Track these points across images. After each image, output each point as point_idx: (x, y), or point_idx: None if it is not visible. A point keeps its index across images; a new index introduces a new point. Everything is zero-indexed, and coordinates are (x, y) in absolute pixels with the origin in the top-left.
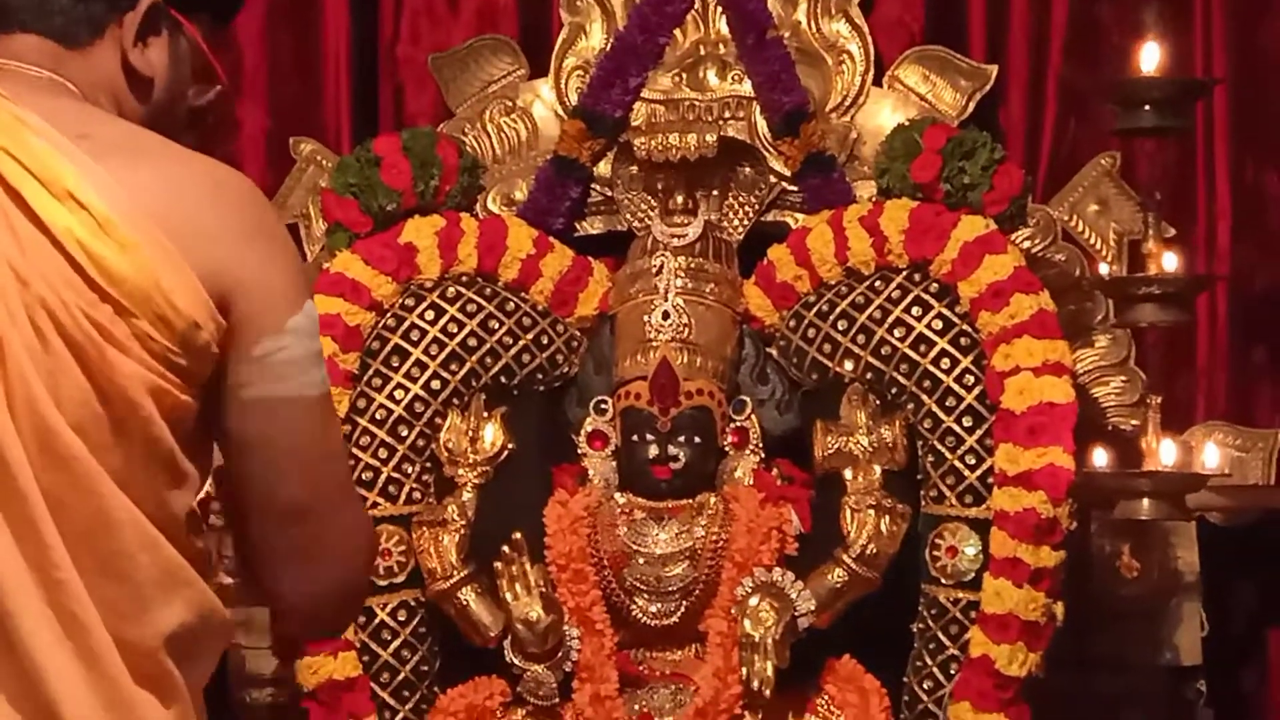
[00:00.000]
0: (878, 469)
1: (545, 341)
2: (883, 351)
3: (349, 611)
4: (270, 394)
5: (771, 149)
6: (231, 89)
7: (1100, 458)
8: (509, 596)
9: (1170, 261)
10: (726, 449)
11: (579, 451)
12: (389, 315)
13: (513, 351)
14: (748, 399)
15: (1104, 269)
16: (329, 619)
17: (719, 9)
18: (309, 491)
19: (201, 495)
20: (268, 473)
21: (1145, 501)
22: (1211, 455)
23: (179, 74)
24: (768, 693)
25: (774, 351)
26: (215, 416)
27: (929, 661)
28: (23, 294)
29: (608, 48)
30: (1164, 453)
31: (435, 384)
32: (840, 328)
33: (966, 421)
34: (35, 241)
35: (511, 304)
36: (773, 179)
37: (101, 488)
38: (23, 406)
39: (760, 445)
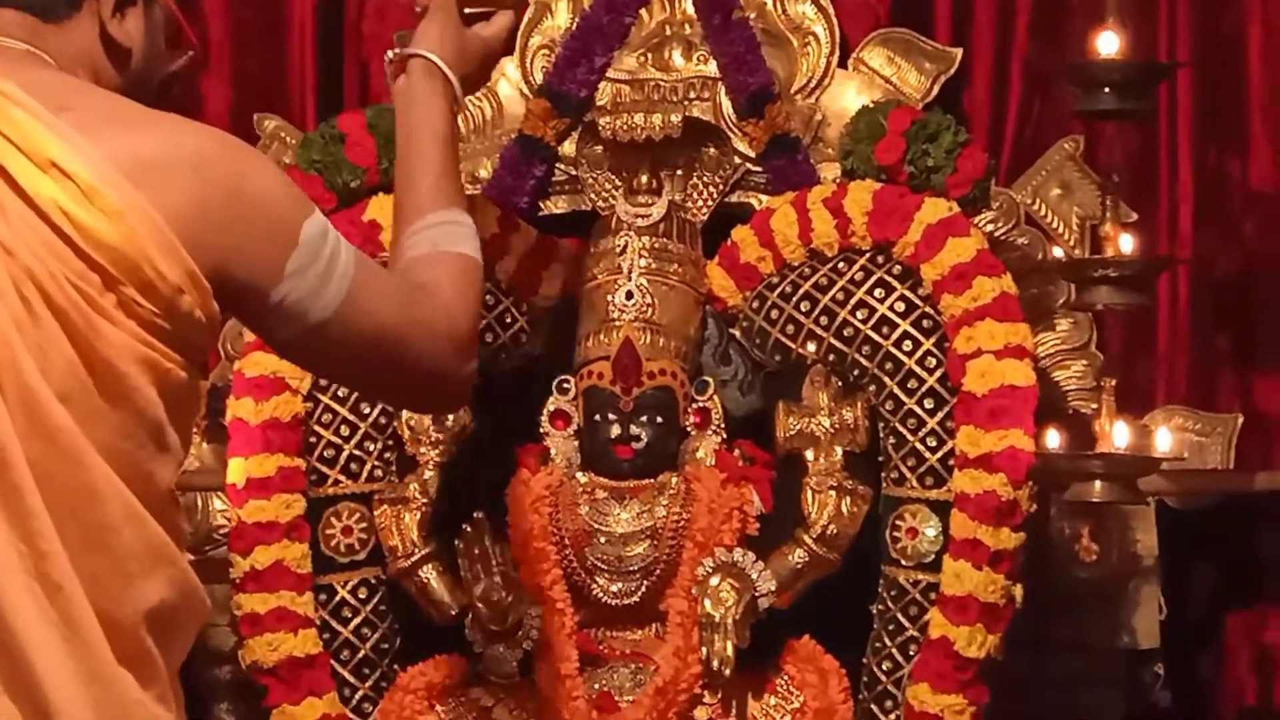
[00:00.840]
0: (839, 450)
1: (508, 320)
2: (845, 333)
3: (457, 405)
4: (300, 330)
5: (736, 130)
6: (200, 57)
7: (1053, 439)
8: (470, 575)
9: (1127, 244)
10: (688, 429)
11: (541, 431)
12: None
13: None
14: (710, 379)
15: (1058, 252)
16: (442, 411)
17: None
18: (372, 374)
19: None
20: (335, 377)
21: (1097, 484)
22: (1165, 439)
23: (154, 42)
24: (727, 672)
25: (737, 332)
26: (280, 353)
27: (888, 643)
28: (8, 265)
29: (573, 27)
30: (1117, 435)
31: None
32: (803, 309)
33: (928, 403)
34: (20, 212)
35: None
36: (737, 160)
37: (87, 459)
38: (9, 377)
39: (722, 426)
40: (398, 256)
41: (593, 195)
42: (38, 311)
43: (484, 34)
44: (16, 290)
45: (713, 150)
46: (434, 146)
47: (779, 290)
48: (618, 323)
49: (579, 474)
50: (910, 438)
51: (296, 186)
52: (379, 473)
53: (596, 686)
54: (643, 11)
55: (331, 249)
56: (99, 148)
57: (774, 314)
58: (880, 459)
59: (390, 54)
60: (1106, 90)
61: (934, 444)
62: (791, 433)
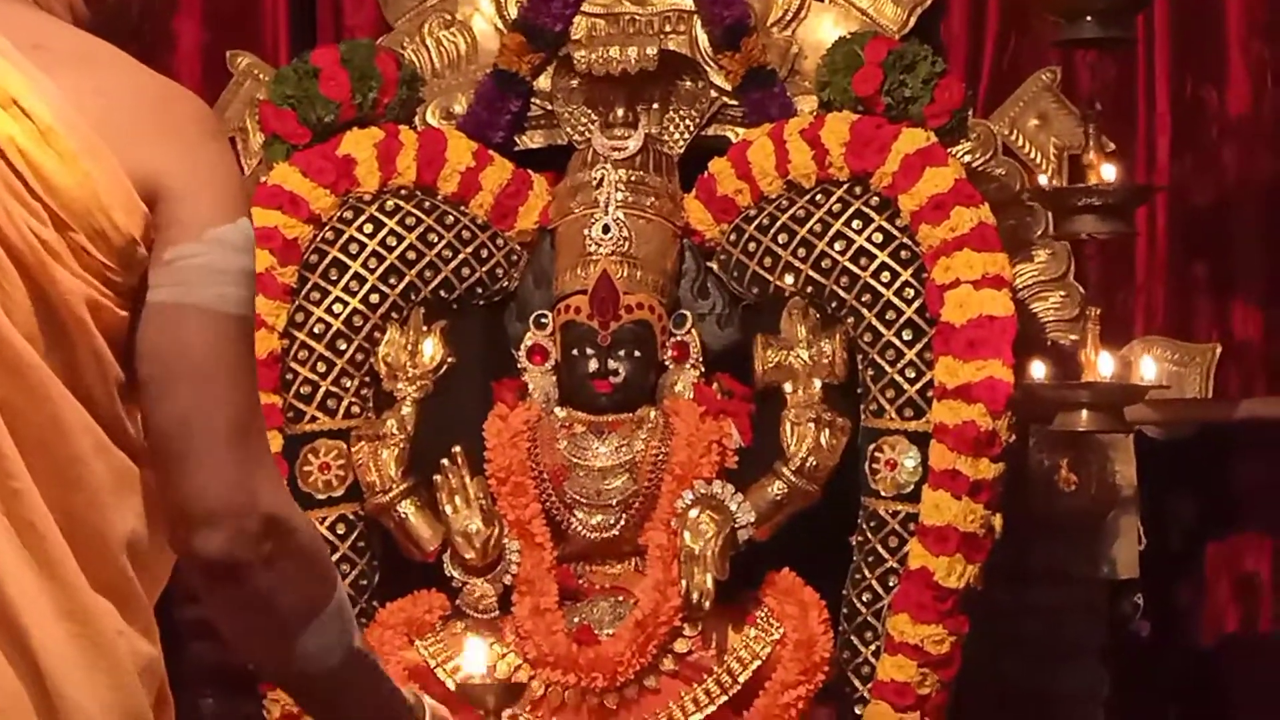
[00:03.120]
0: (818, 383)
1: (485, 255)
2: (823, 265)
3: (215, 562)
4: (173, 299)
5: (712, 63)
6: None
7: (1038, 370)
8: (448, 509)
9: (1110, 173)
10: (666, 363)
11: (519, 366)
12: (327, 228)
13: (452, 265)
14: (688, 313)
15: (1043, 180)
16: (191, 558)
17: None
18: (191, 408)
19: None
20: (157, 381)
21: (1084, 413)
22: (1149, 368)
23: None
24: (707, 605)
25: (714, 266)
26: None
27: (868, 574)
28: None
29: None
30: (1102, 365)
31: (374, 297)
32: (781, 241)
33: (906, 335)
34: None
35: (451, 217)
36: (713, 93)
37: (54, 393)
38: None
39: (700, 360)
40: None
41: (569, 130)
42: None
43: None
44: None
45: (689, 83)
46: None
47: (756, 223)
48: (595, 256)
49: (557, 409)
50: (889, 369)
51: (248, 191)
52: (356, 409)
53: (576, 620)
54: None
55: (252, 271)
56: (63, 87)
57: (751, 246)
58: (859, 391)
59: None
60: (1088, 18)
61: (912, 375)
62: (770, 366)
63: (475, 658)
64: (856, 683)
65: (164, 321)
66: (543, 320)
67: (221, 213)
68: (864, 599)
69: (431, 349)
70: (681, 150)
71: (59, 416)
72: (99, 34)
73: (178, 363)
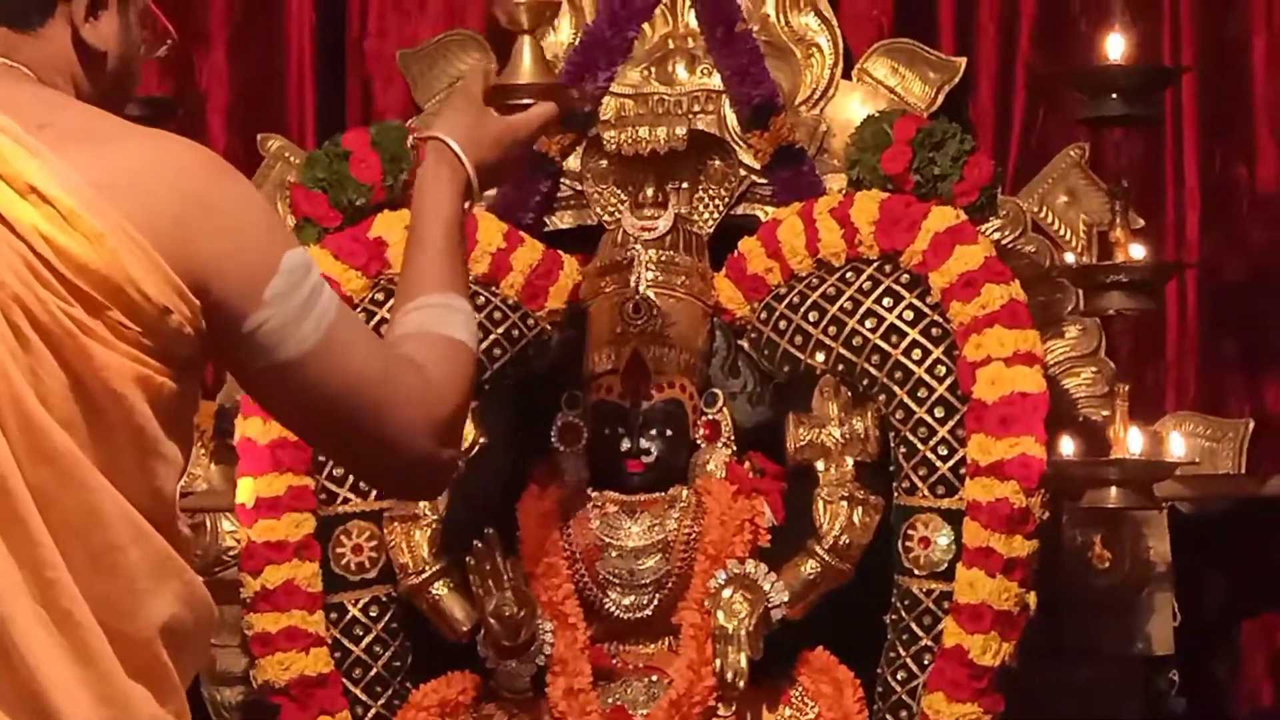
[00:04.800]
0: (850, 460)
1: (516, 335)
2: (854, 343)
3: (430, 493)
4: (268, 364)
5: (741, 142)
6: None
7: (1067, 446)
8: (481, 591)
9: (1138, 250)
10: (698, 442)
11: (550, 446)
12: (359, 310)
13: (483, 345)
14: (719, 392)
15: (1070, 258)
16: (410, 497)
17: (688, 2)
18: (339, 430)
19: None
20: (298, 425)
21: (1113, 490)
22: (1178, 444)
23: (130, 41)
24: (742, 684)
25: (745, 344)
26: (244, 388)
27: (902, 652)
28: None
29: (577, 42)
30: (1131, 441)
31: None
32: (811, 319)
33: (938, 412)
34: (4, 239)
35: (482, 298)
36: (742, 172)
37: (90, 481)
38: (8, 405)
39: (732, 438)
40: (388, 335)
41: (598, 210)
42: (28, 337)
43: (513, 120)
44: (6, 318)
45: (718, 162)
46: (437, 230)
47: (787, 301)
48: (626, 336)
49: (589, 489)
50: (921, 447)
51: (280, 217)
52: None
53: (610, 701)
54: (646, 26)
55: (313, 286)
56: (78, 167)
57: (782, 325)
58: (891, 468)
59: (410, 138)
60: (1113, 96)
61: (945, 453)
62: (802, 444)
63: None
64: None
65: (271, 384)
66: (574, 400)
67: (268, 266)
68: (899, 677)
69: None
70: (711, 229)
71: (95, 504)
72: (101, 105)
73: (303, 409)
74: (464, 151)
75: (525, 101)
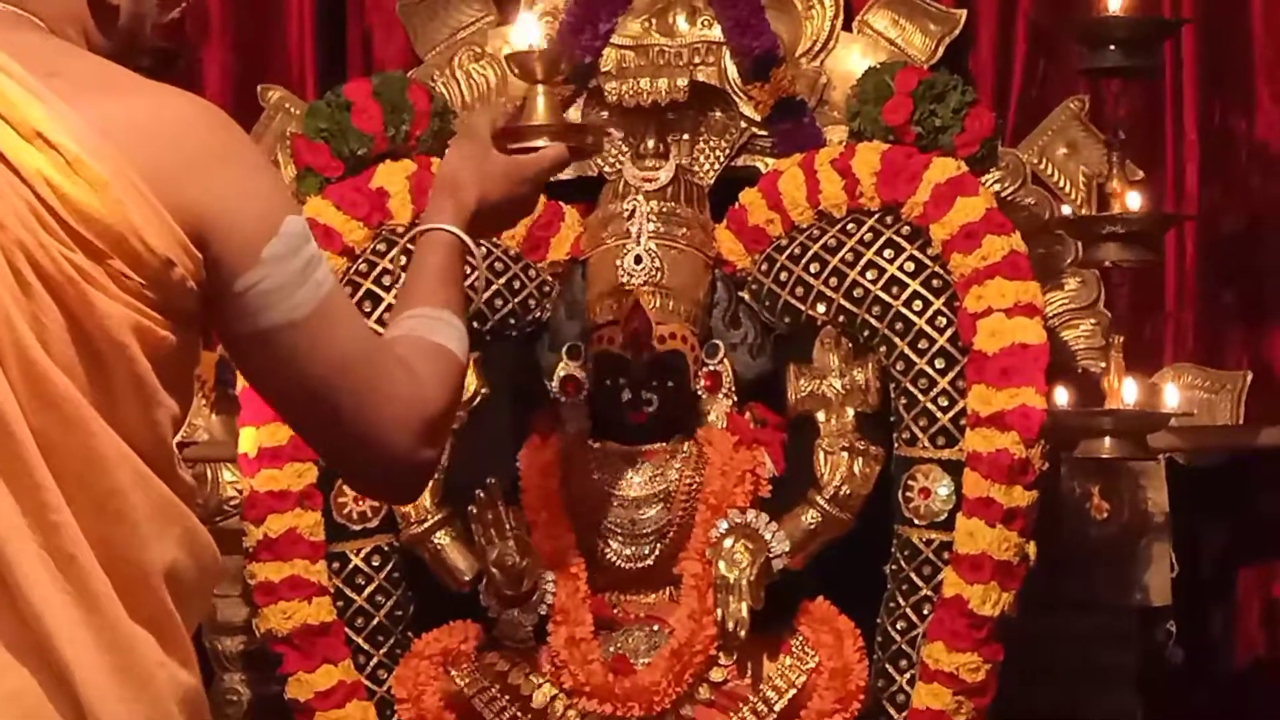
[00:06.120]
0: (850, 411)
1: (517, 286)
2: (855, 294)
3: (406, 494)
4: (256, 326)
5: (741, 94)
6: (191, 8)
7: (1061, 397)
8: (483, 540)
9: (1135, 201)
10: (699, 393)
11: (552, 396)
12: (360, 260)
13: (485, 297)
14: (720, 343)
15: (1067, 210)
16: (381, 499)
17: None
18: (320, 409)
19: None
20: (276, 398)
21: (1107, 440)
22: (1173, 395)
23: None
24: (743, 634)
25: (746, 295)
26: (228, 351)
27: (902, 602)
28: (0, 237)
29: None
30: (1126, 392)
31: None
32: (812, 271)
33: (939, 363)
34: (9, 184)
35: (483, 249)
36: (743, 124)
37: (93, 426)
38: (10, 350)
39: (733, 389)
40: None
41: (598, 161)
42: (30, 282)
43: (521, 158)
44: (9, 263)
45: (718, 114)
46: (437, 256)
47: (788, 252)
48: (627, 287)
49: (591, 439)
50: (921, 398)
51: (284, 182)
52: None
53: (611, 650)
54: None
55: (311, 256)
56: (85, 116)
57: (783, 276)
58: (892, 419)
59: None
60: (1112, 47)
61: (945, 404)
62: (803, 394)
63: (527, 29)
64: (891, 711)
65: (257, 347)
66: (575, 351)
67: (268, 226)
68: (898, 627)
69: (466, 381)
70: (711, 181)
71: (97, 449)
72: (113, 59)
73: (283, 378)
74: (470, 185)
75: (536, 144)
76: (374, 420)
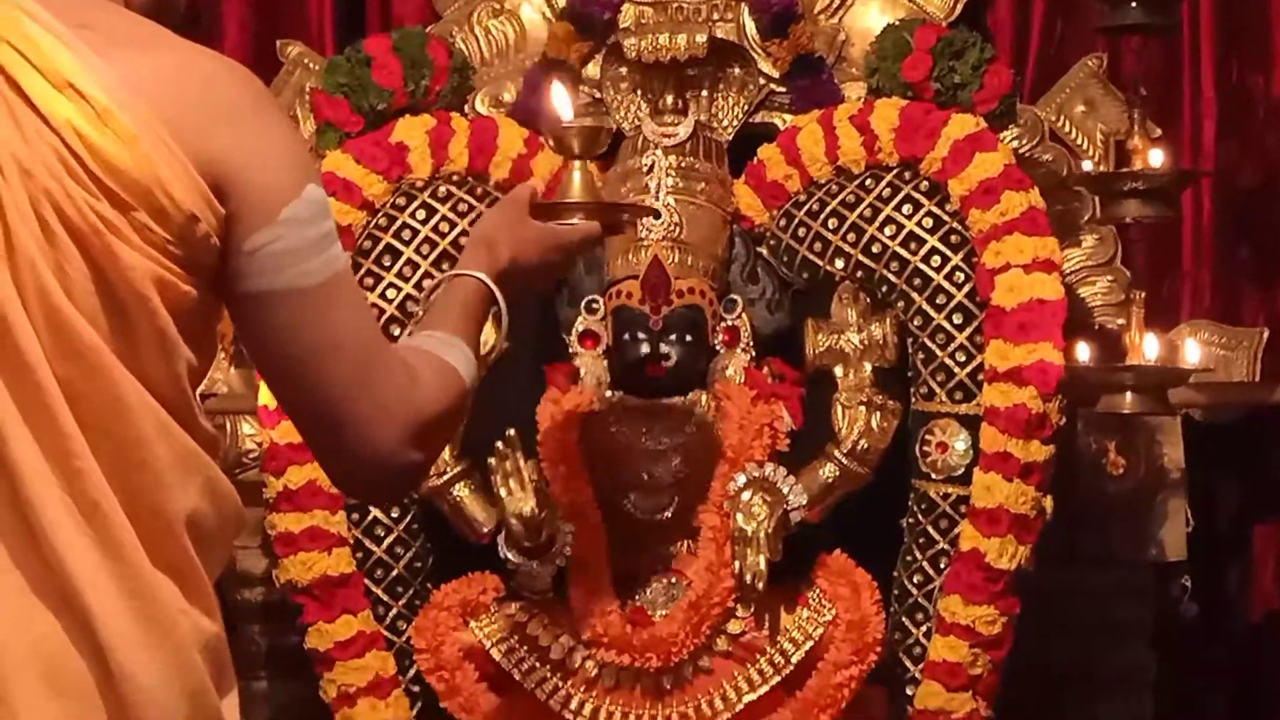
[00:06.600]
0: (868, 366)
1: None
2: (873, 249)
3: (387, 494)
4: (262, 288)
5: (760, 50)
6: None
7: (1083, 353)
8: (503, 492)
9: (1156, 158)
10: (718, 347)
11: (570, 350)
12: (380, 214)
13: None
14: (738, 298)
15: (1087, 166)
16: (361, 496)
17: None
18: (313, 385)
19: None
20: (268, 366)
21: (1128, 396)
22: (1193, 351)
23: None
24: (760, 586)
25: (764, 251)
26: (229, 310)
27: (919, 556)
28: (27, 185)
29: None
30: (1147, 348)
31: (427, 283)
32: (831, 226)
33: (957, 319)
34: (38, 131)
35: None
36: (761, 80)
37: (116, 375)
38: (35, 298)
39: (751, 344)
40: None
41: (617, 117)
42: (55, 231)
43: (556, 227)
44: (35, 211)
45: (737, 70)
46: (460, 293)
47: (806, 208)
48: (646, 242)
49: (609, 392)
50: (939, 353)
51: (310, 154)
52: None
53: (630, 601)
54: None
55: (330, 230)
56: (116, 68)
57: (801, 232)
58: (909, 374)
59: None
60: (1131, 4)
61: (963, 359)
62: (821, 349)
63: (562, 103)
64: (908, 663)
65: (259, 309)
66: (594, 305)
67: (289, 189)
68: (915, 580)
69: (484, 334)
70: (730, 137)
71: (121, 398)
72: (147, 15)
73: (283, 346)
74: (503, 244)
75: (571, 220)
76: (363, 410)
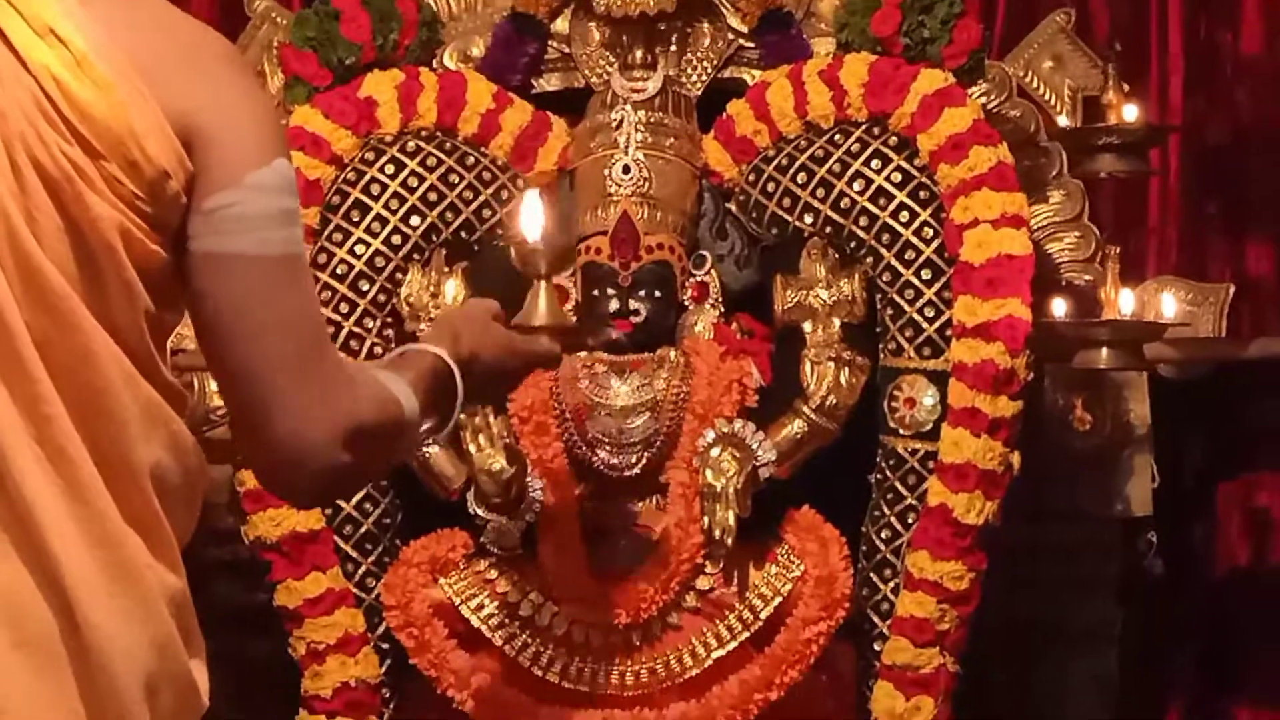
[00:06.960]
0: (837, 322)
1: (505, 196)
2: (842, 205)
3: (308, 491)
4: (216, 248)
5: (729, 5)
6: None
7: (1059, 308)
8: (472, 448)
9: (1130, 113)
10: (686, 303)
11: None
12: (349, 169)
13: (473, 206)
14: (707, 254)
15: (1063, 121)
16: (283, 490)
17: None
18: (254, 361)
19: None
20: (214, 338)
21: (1104, 351)
22: (1169, 305)
23: None
24: (729, 542)
25: (733, 206)
26: (179, 268)
27: (887, 511)
28: (2, 128)
29: None
30: (1123, 303)
31: (396, 239)
32: (799, 181)
33: (925, 274)
34: (15, 75)
35: (471, 158)
36: (730, 35)
37: (84, 324)
38: (6, 244)
39: (720, 300)
40: None
41: (586, 72)
42: (27, 177)
43: (518, 336)
44: (8, 154)
45: (706, 25)
46: (419, 362)
47: (775, 163)
48: (615, 197)
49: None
50: (907, 308)
51: (283, 130)
52: (379, 349)
53: (599, 557)
54: None
55: (294, 209)
56: (97, 17)
57: (770, 187)
58: (878, 330)
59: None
60: None
61: (931, 314)
62: (789, 305)
63: (531, 222)
64: (876, 619)
65: (211, 271)
66: None
67: (257, 155)
68: (883, 536)
69: (453, 290)
70: (699, 92)
71: (89, 347)
72: None
73: (230, 313)
74: (466, 338)
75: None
76: (297, 397)
